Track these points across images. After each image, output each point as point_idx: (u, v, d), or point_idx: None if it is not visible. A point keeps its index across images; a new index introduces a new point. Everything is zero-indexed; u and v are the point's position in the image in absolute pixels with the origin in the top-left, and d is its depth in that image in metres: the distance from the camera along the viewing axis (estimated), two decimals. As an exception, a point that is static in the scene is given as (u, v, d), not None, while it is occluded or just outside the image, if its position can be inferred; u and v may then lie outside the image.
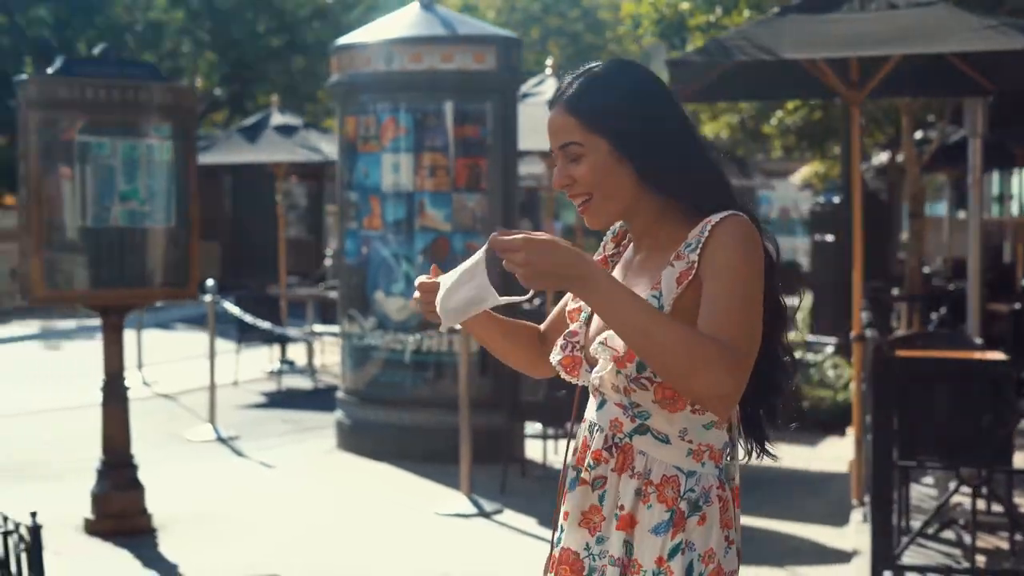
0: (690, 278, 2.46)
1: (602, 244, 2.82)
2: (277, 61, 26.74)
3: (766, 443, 2.69)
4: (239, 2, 25.08)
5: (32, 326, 19.04)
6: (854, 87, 7.49)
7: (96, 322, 19.93)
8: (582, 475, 2.59)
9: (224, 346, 16.02)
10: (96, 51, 7.41)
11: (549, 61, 10.78)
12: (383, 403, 9.54)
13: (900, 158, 14.25)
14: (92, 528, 7.30)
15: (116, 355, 7.36)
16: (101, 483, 7.38)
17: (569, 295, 2.77)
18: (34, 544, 6.04)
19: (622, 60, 2.63)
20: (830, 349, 11.57)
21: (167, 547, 7.10)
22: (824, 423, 10.56)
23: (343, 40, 9.88)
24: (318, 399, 12.80)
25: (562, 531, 2.63)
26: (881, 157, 17.36)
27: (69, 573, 6.36)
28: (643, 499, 2.51)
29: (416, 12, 9.55)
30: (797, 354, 11.94)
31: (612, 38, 33.16)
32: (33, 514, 5.96)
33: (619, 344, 2.48)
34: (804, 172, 19.80)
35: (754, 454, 2.69)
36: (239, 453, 9.94)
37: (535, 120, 10.09)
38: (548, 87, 10.31)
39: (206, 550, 7.03)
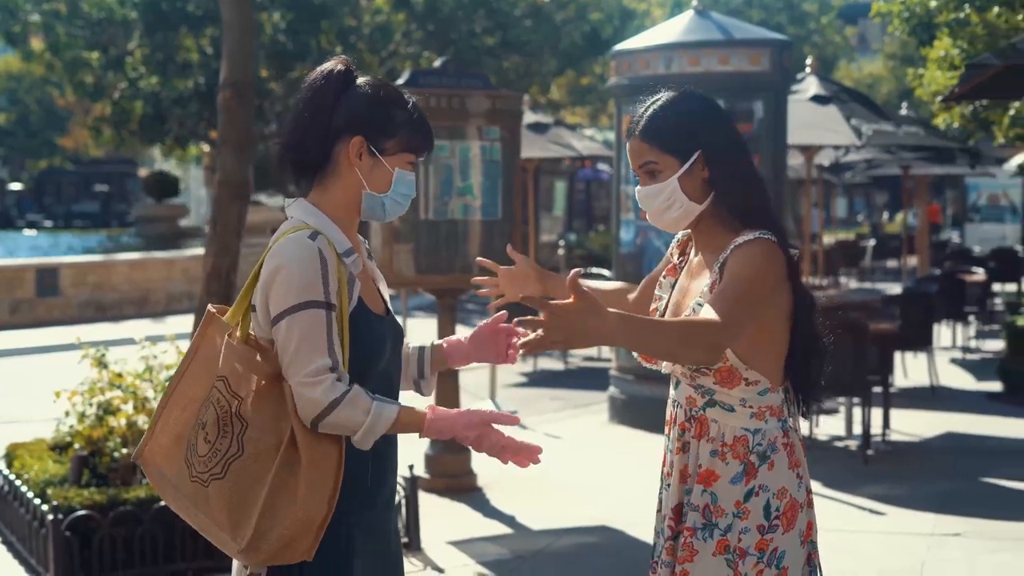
0: (715, 286, 3.11)
1: (667, 253, 3.47)
2: (492, 59, 27.68)
3: (809, 404, 3.30)
4: (458, 3, 26.10)
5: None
6: None
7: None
8: (676, 444, 3.25)
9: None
10: (437, 63, 8.34)
11: (809, 60, 11.45)
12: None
13: None
14: (427, 485, 8.21)
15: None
16: (434, 446, 8.31)
17: (659, 267, 3.48)
18: (412, 493, 7.02)
19: (683, 90, 3.23)
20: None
21: (498, 502, 8.00)
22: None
23: (621, 46, 10.71)
24: (573, 378, 13.68)
25: (668, 488, 3.29)
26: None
27: (425, 520, 7.27)
28: (720, 457, 3.14)
29: (691, 18, 10.32)
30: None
31: (815, 28, 33.48)
32: (411, 467, 6.95)
33: None
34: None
35: (800, 412, 3.30)
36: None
37: (794, 116, 10.78)
38: (809, 85, 10.98)
39: (532, 505, 7.90)
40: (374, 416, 2.86)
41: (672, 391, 3.31)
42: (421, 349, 3.32)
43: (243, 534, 2.84)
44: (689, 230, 3.31)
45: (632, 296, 3.58)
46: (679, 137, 3.16)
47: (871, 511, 7.57)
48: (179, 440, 2.98)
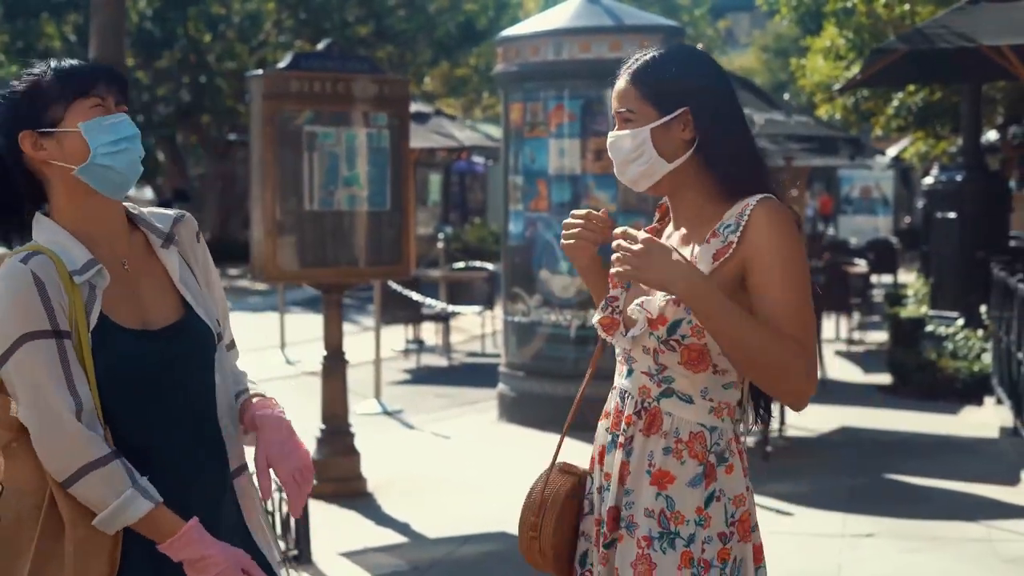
0: (727, 256, 2.75)
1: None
2: (365, 49, 27.23)
3: (765, 409, 3.01)
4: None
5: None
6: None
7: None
8: (619, 439, 2.89)
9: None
10: (320, 46, 7.91)
11: (699, 46, 11.25)
12: (548, 376, 9.99)
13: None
14: (313, 491, 7.78)
15: (336, 331, 7.87)
16: (321, 449, 7.88)
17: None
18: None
19: (686, 45, 3.01)
20: (960, 322, 11.95)
21: (390, 508, 7.61)
22: (959, 392, 10.97)
23: (509, 32, 10.38)
24: (458, 375, 13.35)
25: (607, 490, 2.91)
26: (989, 135, 17.72)
27: (314, 530, 6.84)
28: (675, 455, 2.79)
29: (580, 4, 10.01)
30: (927, 328, 12.22)
31: (688, 21, 33.57)
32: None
33: (654, 307, 2.81)
34: (907, 152, 20.08)
35: (757, 417, 3.01)
36: (409, 426, 10.46)
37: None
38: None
39: (425, 511, 7.52)
40: (123, 503, 2.44)
41: (622, 380, 2.93)
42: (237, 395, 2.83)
43: None
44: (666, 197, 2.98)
45: None
46: (666, 89, 2.84)
47: (778, 511, 7.33)
48: None
